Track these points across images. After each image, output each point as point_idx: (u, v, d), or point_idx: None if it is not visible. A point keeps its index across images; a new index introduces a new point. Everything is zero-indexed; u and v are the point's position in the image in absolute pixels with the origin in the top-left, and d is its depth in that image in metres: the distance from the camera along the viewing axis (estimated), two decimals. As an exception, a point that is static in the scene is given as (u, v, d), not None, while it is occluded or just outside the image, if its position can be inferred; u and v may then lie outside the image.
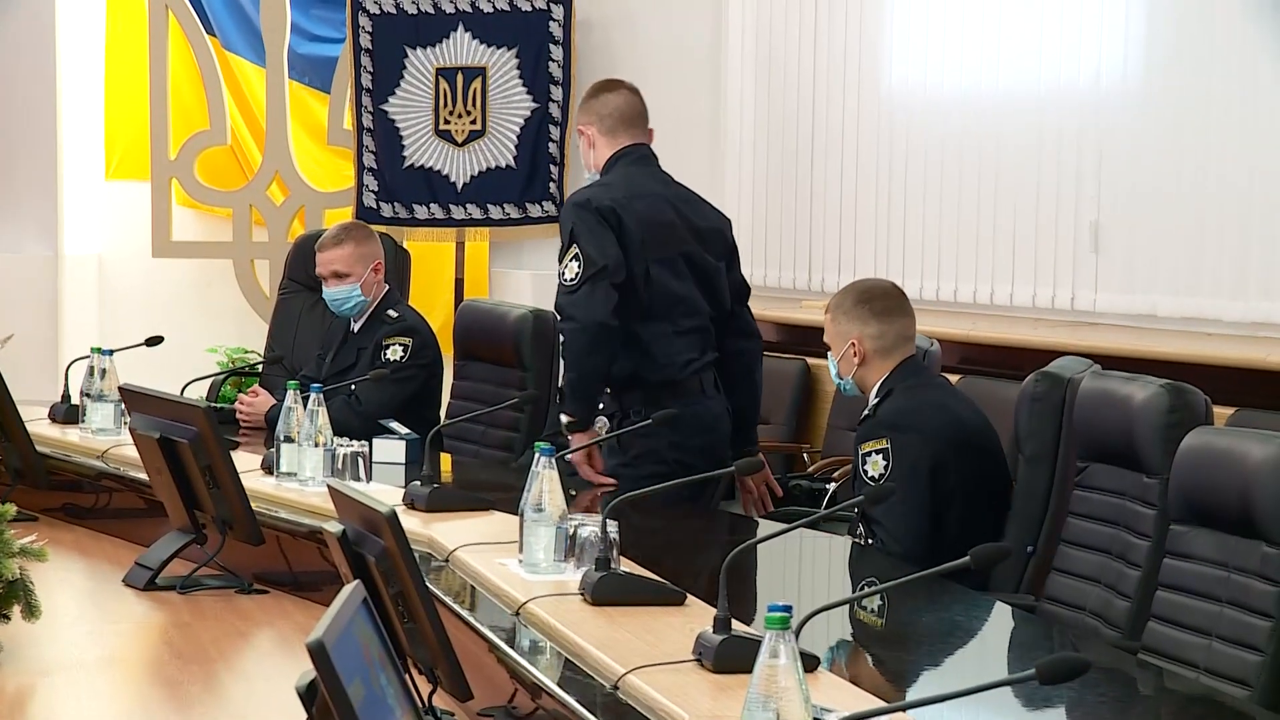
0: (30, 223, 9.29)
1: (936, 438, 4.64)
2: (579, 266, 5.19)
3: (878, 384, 4.78)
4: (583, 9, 8.82)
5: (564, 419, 5.21)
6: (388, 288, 6.26)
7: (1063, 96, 7.23)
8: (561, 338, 5.30)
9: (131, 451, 4.99)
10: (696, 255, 5.39)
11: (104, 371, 5.83)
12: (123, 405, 5.53)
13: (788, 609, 2.46)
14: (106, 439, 5.69)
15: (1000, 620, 3.88)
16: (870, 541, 4.57)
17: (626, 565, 3.76)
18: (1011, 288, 7.45)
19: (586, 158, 5.55)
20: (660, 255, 5.32)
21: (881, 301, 4.82)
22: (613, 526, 3.70)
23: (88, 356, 5.94)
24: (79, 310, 9.38)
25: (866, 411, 4.79)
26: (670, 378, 5.25)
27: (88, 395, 5.86)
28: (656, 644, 3.26)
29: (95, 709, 3.69)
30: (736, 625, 3.14)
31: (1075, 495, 4.37)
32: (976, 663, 3.64)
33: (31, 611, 3.80)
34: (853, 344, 4.78)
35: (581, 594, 3.62)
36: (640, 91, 5.57)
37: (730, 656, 3.05)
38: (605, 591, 3.59)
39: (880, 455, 4.62)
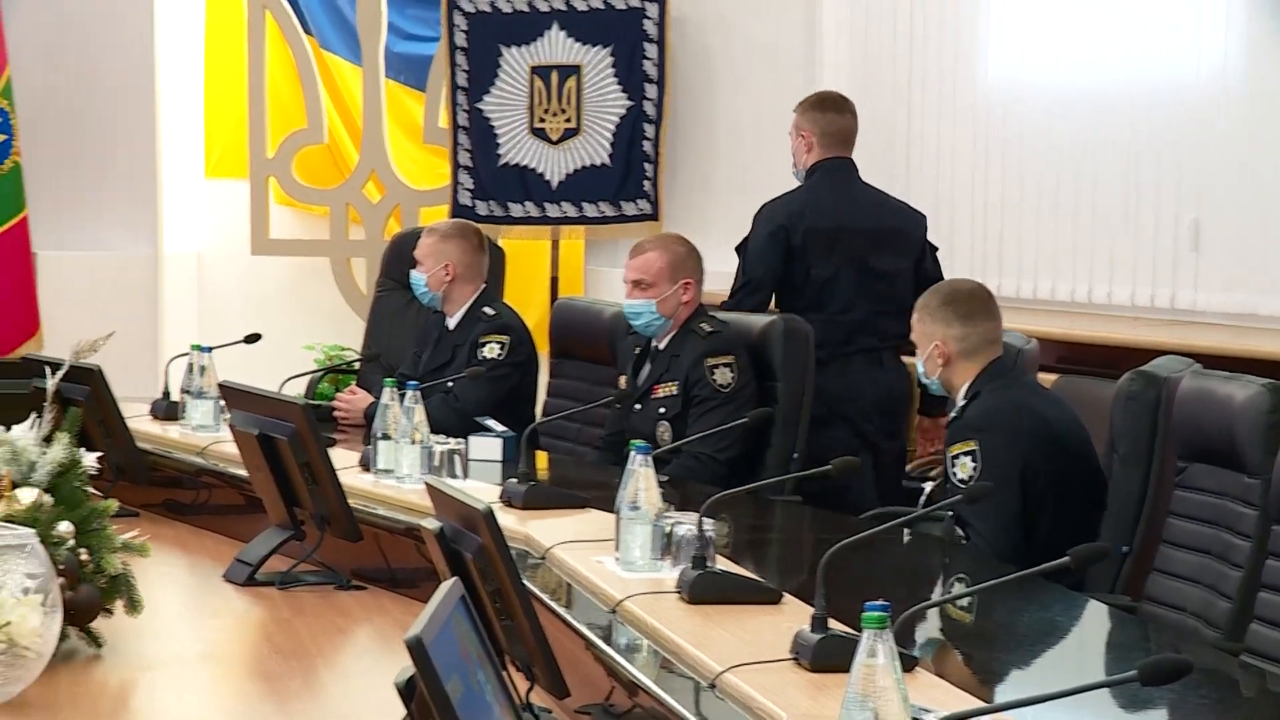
0: (131, 221, 9.38)
1: (1025, 439, 4.62)
2: (741, 275, 6.24)
3: (964, 386, 4.76)
4: (677, 7, 8.82)
5: None
6: (484, 286, 6.28)
7: (1163, 93, 7.17)
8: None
9: (231, 448, 5.04)
10: (868, 259, 6.26)
11: (203, 369, 5.88)
12: (222, 402, 5.58)
13: (886, 608, 2.45)
14: (206, 436, 5.74)
15: (1098, 620, 3.85)
16: (965, 542, 4.55)
17: (723, 563, 3.76)
18: (1110, 286, 7.39)
19: (798, 155, 6.40)
20: (821, 260, 6.21)
21: (966, 304, 4.81)
22: (709, 524, 3.70)
23: (187, 354, 5.99)
24: (179, 308, 9.47)
25: (954, 414, 4.77)
26: (818, 357, 5.82)
27: (188, 392, 5.91)
28: (753, 642, 3.26)
29: (196, 703, 3.73)
30: (833, 624, 3.13)
31: (1175, 495, 4.33)
32: (1075, 663, 3.62)
33: (134, 606, 3.84)
34: (937, 345, 4.77)
35: (678, 592, 3.62)
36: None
37: (828, 655, 3.04)
38: (702, 590, 3.59)
39: (969, 457, 4.60)
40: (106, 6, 9.28)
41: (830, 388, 5.97)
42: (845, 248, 6.24)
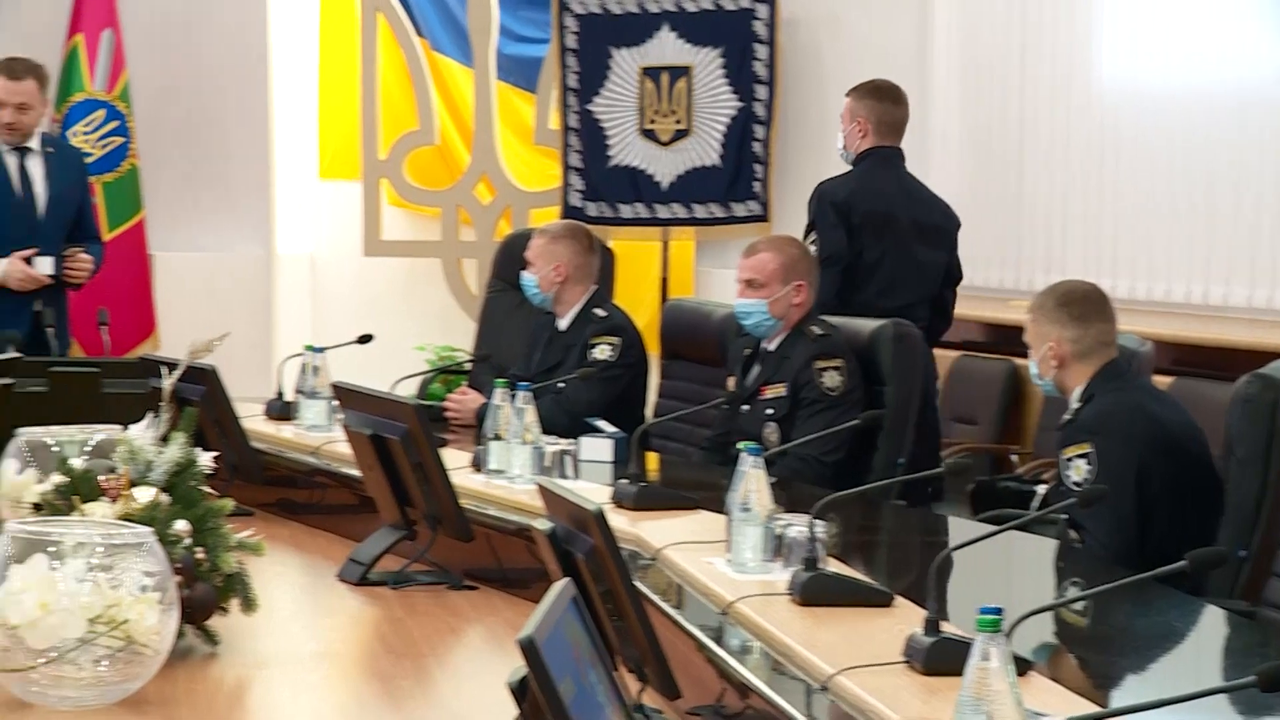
0: (245, 222, 9.48)
1: (1139, 442, 4.58)
2: (816, 251, 6.17)
3: (1078, 388, 4.72)
4: (788, 8, 8.81)
5: None
6: (595, 287, 6.30)
7: (1277, 92, 7.08)
8: None
9: (344, 448, 5.07)
10: (913, 249, 6.43)
11: (317, 369, 5.92)
12: (335, 402, 5.61)
13: (999, 611, 2.44)
14: (320, 435, 5.78)
15: (1214, 625, 3.81)
16: (1080, 545, 4.52)
17: (834, 565, 3.75)
18: (1226, 288, 7.31)
19: (850, 140, 6.54)
20: (872, 243, 6.36)
21: (1081, 305, 4.77)
22: (820, 526, 3.69)
23: (301, 354, 6.04)
24: (292, 308, 9.55)
25: (1068, 416, 4.74)
26: None
27: (301, 392, 5.96)
28: (865, 645, 3.24)
29: (310, 702, 3.76)
30: (946, 627, 3.12)
31: (1295, 499, 4.28)
32: (1192, 669, 3.58)
33: (248, 605, 3.87)
34: (1050, 346, 4.74)
35: (789, 594, 3.61)
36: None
37: (941, 659, 3.03)
38: (813, 591, 3.58)
39: (1083, 460, 4.57)
40: (222, 11, 9.39)
41: None
42: (894, 234, 6.41)
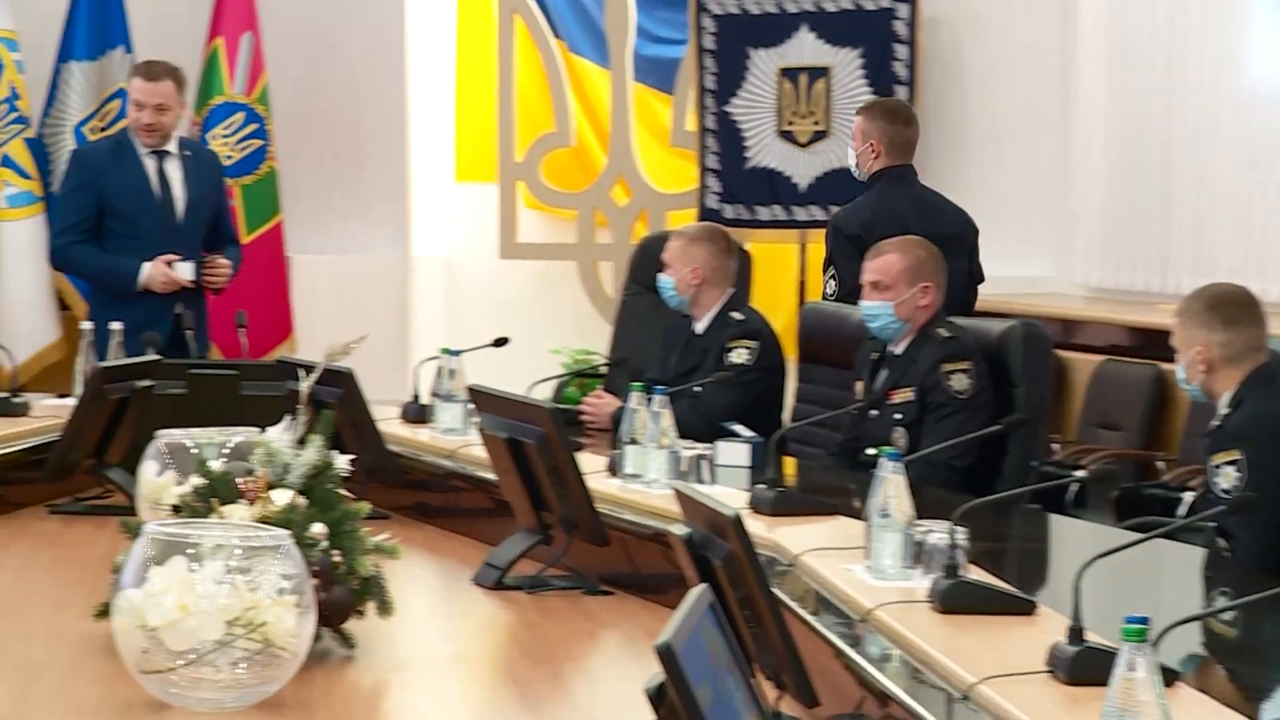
0: (382, 225, 9.56)
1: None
2: (835, 285, 6.44)
3: (1227, 394, 4.65)
4: (928, 7, 8.76)
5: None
6: (732, 290, 6.29)
7: None
8: None
9: (480, 451, 5.10)
10: None
11: (452, 372, 5.95)
12: (471, 406, 5.65)
13: (1146, 621, 2.41)
14: (455, 439, 5.81)
15: (1370, 638, 3.75)
16: (1229, 554, 4.45)
17: (975, 572, 3.73)
18: (1381, 290, 7.20)
19: (863, 160, 6.66)
20: None
21: (1231, 309, 4.70)
22: (961, 533, 3.67)
23: (437, 357, 6.07)
24: (428, 311, 9.62)
25: (1216, 422, 4.67)
26: None
27: (437, 395, 5.99)
28: (1007, 654, 3.22)
29: (446, 706, 3.78)
30: (1090, 636, 3.09)
31: None
32: (1345, 682, 3.52)
33: (385, 608, 3.90)
34: (1199, 351, 4.67)
35: (929, 601, 3.60)
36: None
37: (1085, 668, 3.00)
38: (954, 599, 3.56)
39: (1232, 467, 4.51)
40: (361, 14, 9.47)
41: None
42: None
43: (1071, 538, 4.83)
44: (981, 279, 6.67)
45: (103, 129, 8.73)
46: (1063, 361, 7.81)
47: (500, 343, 6.49)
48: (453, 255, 9.95)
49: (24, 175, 8.66)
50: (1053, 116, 8.78)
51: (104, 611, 3.69)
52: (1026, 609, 3.55)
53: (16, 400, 6.14)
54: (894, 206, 6.56)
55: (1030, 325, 5.68)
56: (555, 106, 9.52)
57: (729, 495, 4.62)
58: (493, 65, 9.47)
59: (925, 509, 3.92)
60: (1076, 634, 3.07)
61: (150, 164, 7.37)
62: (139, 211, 7.34)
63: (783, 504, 4.58)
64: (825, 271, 6.60)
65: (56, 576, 4.87)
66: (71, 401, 5.97)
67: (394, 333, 9.29)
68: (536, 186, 9.49)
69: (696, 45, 8.96)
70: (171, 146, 7.41)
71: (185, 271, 7.35)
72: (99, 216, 7.28)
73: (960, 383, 5.44)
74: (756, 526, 4.26)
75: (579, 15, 9.71)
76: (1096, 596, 3.15)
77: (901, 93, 8.73)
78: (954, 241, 6.48)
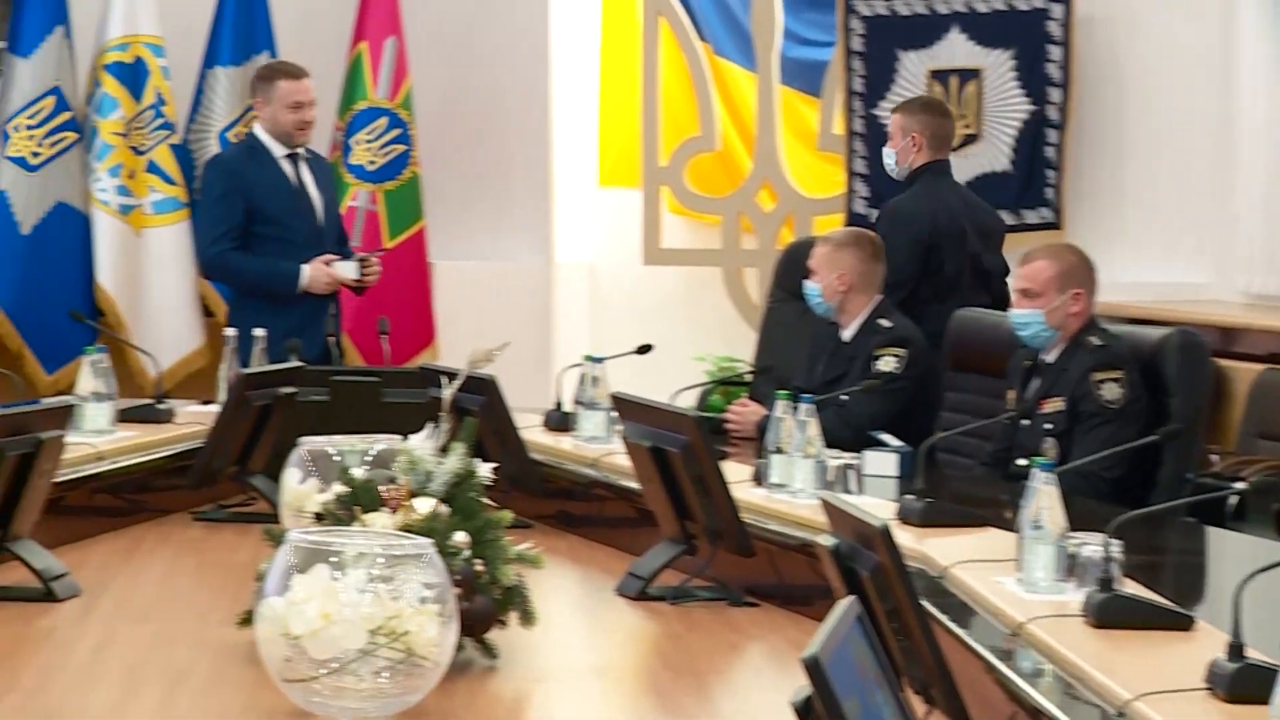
0: (525, 231, 9.60)
1: None
2: (890, 275, 6.47)
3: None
4: (1083, 6, 8.68)
5: None
6: (880, 297, 6.27)
7: None
8: None
9: (623, 460, 5.11)
10: (979, 255, 6.85)
11: (596, 379, 5.97)
12: (614, 414, 5.66)
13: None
14: (598, 447, 5.83)
15: None
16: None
17: (1130, 586, 3.69)
18: None
19: (904, 156, 6.91)
20: (952, 256, 6.76)
21: None
22: (1116, 545, 3.63)
23: (580, 364, 6.10)
24: (571, 318, 9.64)
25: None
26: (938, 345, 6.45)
27: (580, 403, 6.02)
28: (1163, 670, 3.19)
29: (589, 717, 3.80)
30: (1251, 653, 3.04)
31: None
32: None
33: (527, 618, 3.93)
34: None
35: (1083, 615, 3.56)
36: None
37: (1246, 686, 2.96)
38: (1108, 613, 3.52)
39: None
40: (504, 18, 9.52)
41: None
42: (967, 245, 6.83)
43: (1230, 551, 4.77)
44: (1008, 271, 6.80)
45: (248, 134, 8.84)
46: (1221, 370, 7.70)
47: (644, 350, 6.50)
48: (596, 261, 9.97)
49: (169, 181, 8.79)
50: (1212, 118, 8.66)
51: (247, 619, 3.74)
52: (1184, 624, 3.51)
53: (161, 407, 6.23)
54: (947, 202, 6.85)
55: (1187, 333, 5.61)
56: (700, 110, 9.52)
57: (877, 506, 4.60)
58: (637, 69, 9.49)
59: (1078, 521, 3.89)
60: (1236, 650, 3.03)
61: (287, 167, 7.47)
62: (287, 214, 7.44)
63: (932, 515, 4.56)
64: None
65: (200, 583, 4.95)
66: (215, 408, 6.06)
67: (537, 340, 9.32)
68: (681, 191, 9.50)
69: (844, 47, 8.93)
70: (300, 149, 7.51)
71: (348, 270, 7.44)
72: (247, 222, 7.37)
73: (1112, 392, 5.39)
74: (905, 538, 4.24)
75: (724, 18, 9.71)
76: (1257, 612, 3.11)
77: (1055, 95, 8.66)
78: (994, 236, 7.00)
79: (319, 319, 7.45)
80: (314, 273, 7.38)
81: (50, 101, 8.66)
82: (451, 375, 4.19)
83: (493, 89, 9.56)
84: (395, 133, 9.08)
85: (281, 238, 7.40)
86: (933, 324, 6.47)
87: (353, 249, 7.80)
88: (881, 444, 5.52)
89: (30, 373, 8.52)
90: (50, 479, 4.63)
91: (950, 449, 6.17)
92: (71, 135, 8.69)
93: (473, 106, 9.55)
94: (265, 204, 7.39)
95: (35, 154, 8.62)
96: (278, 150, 7.44)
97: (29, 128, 8.62)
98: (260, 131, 7.51)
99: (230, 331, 6.47)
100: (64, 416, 4.71)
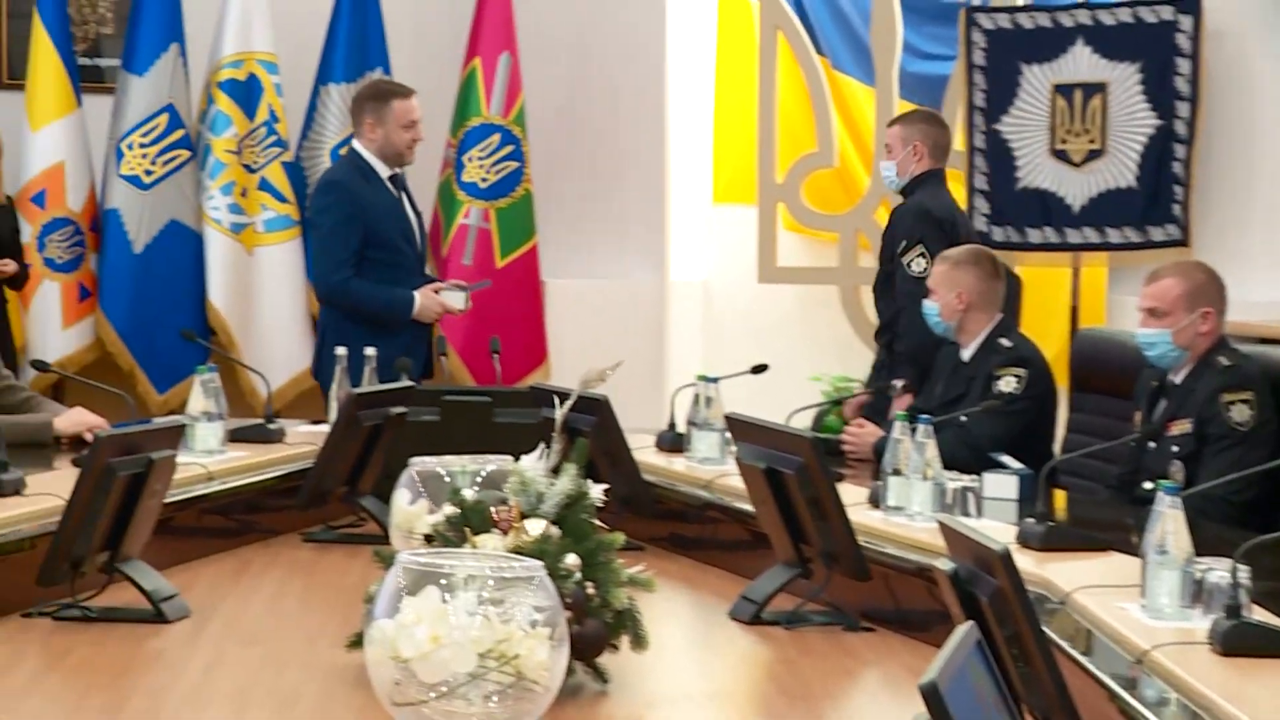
0: (639, 249, 9.62)
1: None
2: (925, 263, 6.83)
3: None
4: (1213, 19, 8.59)
5: (900, 383, 6.74)
6: (1000, 316, 6.24)
7: None
8: (904, 317, 6.93)
9: (737, 482, 5.10)
10: None
11: (709, 400, 5.97)
12: (728, 434, 5.66)
13: None
14: (712, 468, 5.83)
15: None
16: None
17: (1258, 613, 3.64)
18: None
19: (905, 165, 7.24)
20: None
21: None
22: (1244, 571, 3.59)
23: (693, 384, 6.09)
24: (685, 337, 9.65)
25: None
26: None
27: (693, 424, 6.01)
28: (1293, 701, 3.15)
29: (701, 742, 3.79)
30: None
31: None
32: None
33: (639, 642, 3.92)
34: None
35: (1210, 643, 3.52)
36: None
37: (1377, 718, 2.92)
38: (1237, 641, 3.48)
39: None
40: (620, 32, 9.54)
41: None
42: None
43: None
44: None
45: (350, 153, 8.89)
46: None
47: (759, 370, 6.49)
48: (710, 279, 9.97)
49: (281, 199, 8.87)
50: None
51: (357, 642, 3.76)
52: (1315, 654, 3.46)
53: (271, 426, 6.28)
54: (956, 205, 7.35)
55: None
56: (818, 125, 9.51)
57: (996, 529, 4.58)
58: (753, 84, 9.48)
59: (1205, 546, 3.85)
60: (1368, 681, 2.99)
61: (391, 188, 7.52)
62: (400, 238, 7.48)
63: (1053, 539, 4.52)
64: (904, 254, 7.02)
65: (309, 605, 4.98)
66: (325, 428, 6.10)
67: (650, 359, 9.34)
68: (797, 208, 9.49)
69: (966, 61, 8.89)
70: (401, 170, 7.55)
71: (456, 301, 7.48)
72: (362, 247, 7.40)
73: (1241, 414, 5.33)
74: (1025, 562, 4.21)
75: (843, 31, 9.69)
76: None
77: (1183, 109, 8.57)
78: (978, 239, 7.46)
79: (423, 341, 7.50)
80: (425, 301, 7.43)
81: (163, 119, 8.77)
82: (563, 395, 4.19)
83: (607, 105, 9.59)
84: (508, 149, 9.13)
85: (393, 262, 7.43)
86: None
87: (461, 266, 7.84)
88: (1001, 466, 5.48)
89: (142, 392, 8.64)
90: (161, 499, 4.68)
91: (1073, 471, 6.13)
92: (184, 153, 8.80)
93: (586, 123, 9.58)
94: (379, 228, 7.42)
95: (148, 172, 8.73)
96: (383, 170, 7.49)
97: (142, 146, 8.73)
98: (364, 151, 7.51)
99: (340, 350, 6.52)
100: (175, 436, 4.76)
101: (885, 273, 7.28)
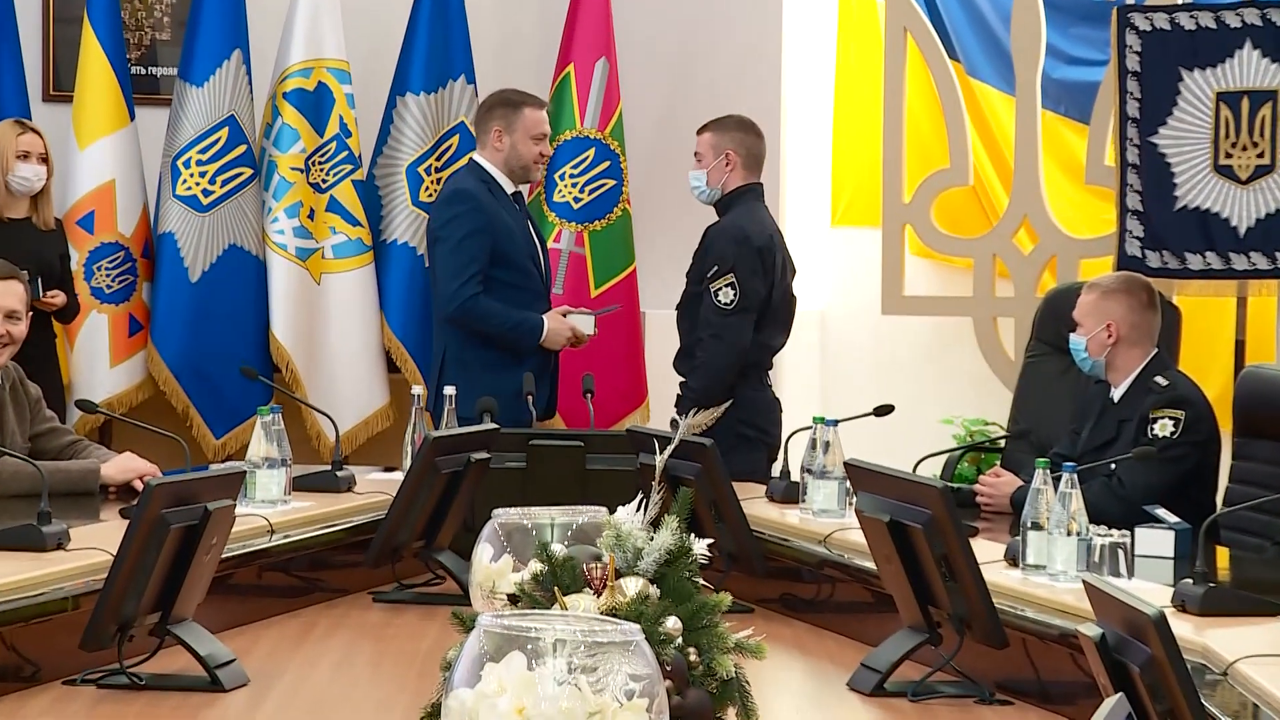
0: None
1: None
2: (734, 294, 7.36)
3: None
4: (1395, 16, 8.53)
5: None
6: (1155, 351, 6.21)
7: None
8: (703, 347, 7.38)
9: (857, 536, 5.10)
10: (788, 284, 7.68)
11: (827, 444, 5.97)
12: (848, 483, 5.65)
13: None
14: (830, 521, 5.83)
15: None
16: None
17: None
18: None
19: (715, 175, 7.57)
20: (778, 283, 7.54)
21: None
22: None
23: (810, 427, 6.09)
24: (800, 375, 9.62)
25: None
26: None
27: (809, 471, 6.01)
28: None
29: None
30: None
31: None
32: None
33: (748, 714, 3.92)
34: None
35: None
36: None
37: None
38: None
39: None
40: (729, 35, 9.55)
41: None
42: (787, 273, 7.66)
43: None
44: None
45: (439, 169, 8.96)
46: None
47: (883, 411, 6.49)
48: (828, 310, 9.97)
49: (352, 222, 8.90)
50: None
51: (433, 714, 3.77)
52: None
53: (340, 474, 6.33)
54: (772, 224, 7.63)
55: None
56: (950, 138, 9.49)
57: (1150, 591, 4.56)
58: (877, 92, 9.47)
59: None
60: None
61: (516, 206, 7.59)
62: (527, 258, 7.57)
63: (1214, 602, 4.50)
64: (713, 281, 7.37)
65: (380, 672, 5.00)
66: (399, 476, 6.14)
67: (762, 399, 9.32)
68: (926, 231, 9.47)
69: (1119, 66, 8.85)
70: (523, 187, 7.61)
71: (586, 325, 7.55)
72: (489, 265, 7.46)
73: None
74: (1182, 628, 4.19)
75: (980, 34, 9.68)
76: None
77: (1362, 118, 8.52)
78: (792, 269, 7.73)
79: (548, 371, 7.55)
80: (554, 325, 7.50)
81: (224, 134, 8.82)
82: (664, 440, 4.20)
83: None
84: (604, 166, 9.15)
85: (520, 285, 7.51)
86: (754, 354, 7.46)
87: (551, 296, 7.88)
88: (1156, 520, 5.45)
89: (197, 436, 8.70)
90: (218, 554, 4.72)
91: (1237, 526, 6.10)
92: (246, 171, 8.85)
93: (692, 136, 9.60)
94: (507, 246, 7.50)
95: (207, 192, 8.78)
96: (507, 186, 7.56)
97: (200, 163, 8.77)
98: (487, 163, 7.58)
99: (418, 390, 6.55)
100: (233, 485, 4.80)
101: (692, 294, 7.54)
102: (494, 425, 6.21)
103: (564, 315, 7.56)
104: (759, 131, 7.69)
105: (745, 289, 7.36)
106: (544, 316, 7.49)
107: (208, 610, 4.74)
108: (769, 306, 7.51)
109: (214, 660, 4.60)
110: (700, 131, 7.68)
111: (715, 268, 7.40)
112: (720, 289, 7.37)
